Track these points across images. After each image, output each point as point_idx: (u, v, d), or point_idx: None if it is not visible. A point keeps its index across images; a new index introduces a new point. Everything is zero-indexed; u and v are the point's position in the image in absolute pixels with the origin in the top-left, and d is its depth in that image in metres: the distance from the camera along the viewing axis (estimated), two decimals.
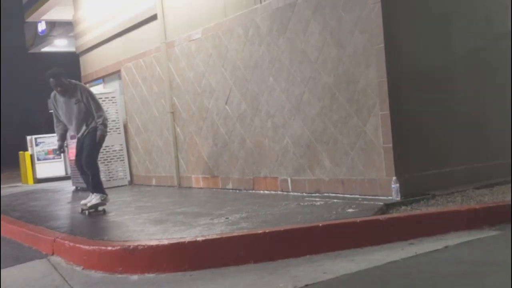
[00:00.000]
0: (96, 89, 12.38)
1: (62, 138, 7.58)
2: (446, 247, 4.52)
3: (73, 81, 7.34)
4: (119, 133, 11.29)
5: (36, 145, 15.67)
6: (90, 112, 7.14)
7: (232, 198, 7.55)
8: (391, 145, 6.01)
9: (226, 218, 5.83)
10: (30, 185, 15.04)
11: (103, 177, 11.00)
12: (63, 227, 6.41)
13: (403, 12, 6.24)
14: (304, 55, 7.02)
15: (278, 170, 7.62)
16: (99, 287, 4.42)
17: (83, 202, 7.32)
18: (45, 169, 15.53)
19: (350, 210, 5.63)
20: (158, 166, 10.50)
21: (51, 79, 7.06)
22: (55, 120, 7.50)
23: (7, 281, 4.85)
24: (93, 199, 7.09)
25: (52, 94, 7.36)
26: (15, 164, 17.33)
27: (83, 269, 4.96)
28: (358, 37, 6.29)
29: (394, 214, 5.39)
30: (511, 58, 7.00)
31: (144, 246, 4.75)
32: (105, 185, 10.86)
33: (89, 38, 12.53)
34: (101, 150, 11.04)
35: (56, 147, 15.56)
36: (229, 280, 4.20)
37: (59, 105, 7.32)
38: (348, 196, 6.44)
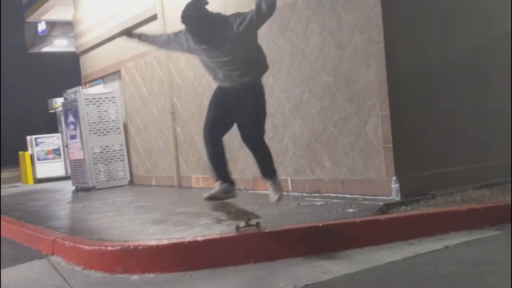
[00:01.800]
0: (96, 89, 12.42)
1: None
2: (446, 247, 4.52)
3: (217, 14, 4.57)
4: (119, 133, 11.29)
5: (36, 145, 15.68)
6: (252, 47, 4.59)
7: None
8: (391, 145, 6.01)
9: None
10: (30, 185, 15.05)
11: (103, 177, 11.07)
12: (63, 227, 6.41)
13: (403, 12, 6.23)
14: (304, 55, 7.02)
15: (278, 170, 7.57)
16: (99, 287, 4.42)
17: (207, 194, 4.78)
18: (45, 169, 15.54)
19: (350, 210, 5.63)
20: (158, 166, 10.50)
21: (187, 23, 4.44)
22: (178, 44, 4.85)
23: (7, 281, 4.85)
24: (272, 188, 4.83)
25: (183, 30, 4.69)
26: (15, 164, 17.33)
27: (83, 269, 4.96)
28: (358, 37, 6.29)
29: (394, 214, 5.39)
30: (511, 58, 6.99)
31: (144, 246, 4.76)
32: (105, 185, 11.04)
33: (89, 38, 12.52)
34: (102, 150, 11.18)
35: (56, 146, 15.70)
36: (229, 280, 4.20)
37: (193, 50, 4.73)
38: (348, 196, 6.44)
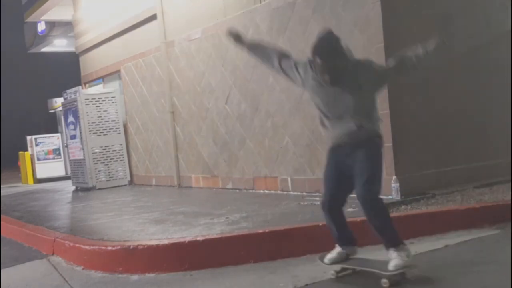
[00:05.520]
0: (95, 89, 12.42)
1: (252, 43, 4.48)
2: (446, 246, 4.53)
3: (353, 58, 4.08)
4: (119, 133, 11.29)
5: (36, 145, 15.68)
6: (371, 106, 4.00)
7: (232, 197, 7.55)
8: (391, 144, 6.01)
9: (226, 217, 5.83)
10: (30, 185, 15.04)
11: (103, 177, 11.07)
12: (63, 227, 6.41)
13: (402, 12, 6.23)
14: (304, 54, 6.98)
15: (278, 169, 7.62)
16: (99, 287, 4.42)
17: (328, 258, 4.16)
18: (45, 169, 15.54)
19: (350, 209, 5.60)
20: (158, 166, 10.50)
21: (318, 59, 3.89)
22: (292, 75, 4.25)
23: (7, 281, 4.85)
24: (393, 257, 3.83)
25: (306, 61, 4.13)
26: (15, 164, 17.34)
27: (83, 269, 4.96)
28: (357, 37, 6.28)
29: (394, 213, 5.38)
30: (511, 58, 6.99)
31: (144, 246, 4.76)
32: (105, 185, 11.04)
33: (89, 38, 12.53)
34: (102, 150, 11.18)
35: (56, 146, 15.69)
36: (229, 280, 4.20)
37: (313, 88, 4.07)
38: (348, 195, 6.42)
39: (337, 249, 4.13)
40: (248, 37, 4.37)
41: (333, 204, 4.09)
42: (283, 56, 4.28)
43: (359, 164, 3.85)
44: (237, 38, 4.33)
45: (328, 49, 3.87)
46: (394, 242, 3.87)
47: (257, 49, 4.39)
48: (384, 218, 3.94)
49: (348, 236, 4.16)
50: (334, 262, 4.10)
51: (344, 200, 4.12)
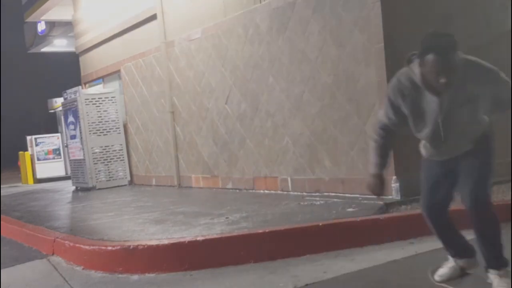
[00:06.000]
0: (95, 89, 12.42)
1: (384, 155, 3.95)
2: None
3: (462, 56, 3.43)
4: (119, 133, 11.29)
5: (36, 145, 15.70)
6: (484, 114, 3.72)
7: (232, 197, 7.55)
8: None
9: (226, 217, 5.83)
10: (30, 185, 15.05)
11: (103, 177, 11.06)
12: (63, 227, 6.41)
13: (402, 12, 6.23)
14: (303, 54, 7.02)
15: (278, 169, 7.62)
16: (99, 287, 4.42)
17: (439, 275, 3.63)
18: (45, 169, 15.54)
19: (350, 209, 5.63)
20: (158, 166, 10.50)
21: (434, 56, 3.20)
22: (385, 120, 3.80)
23: (7, 281, 4.85)
24: (496, 285, 3.28)
25: (397, 82, 3.55)
26: (15, 164, 17.35)
27: (83, 269, 4.96)
28: (357, 37, 6.28)
29: (394, 213, 5.39)
30: (511, 58, 6.99)
31: (144, 246, 4.76)
32: (105, 185, 11.04)
33: (89, 38, 12.53)
34: (102, 150, 11.19)
35: (56, 146, 15.68)
36: (229, 280, 4.20)
37: (413, 104, 3.46)
38: (348, 195, 6.43)
39: (450, 262, 3.58)
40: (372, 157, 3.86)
41: (435, 208, 3.59)
42: (382, 121, 3.78)
43: (468, 162, 3.46)
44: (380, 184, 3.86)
45: (446, 41, 3.20)
46: (498, 261, 3.27)
47: (382, 147, 3.90)
48: (494, 225, 3.28)
49: (461, 245, 3.56)
50: (446, 278, 3.52)
51: (448, 201, 3.57)
